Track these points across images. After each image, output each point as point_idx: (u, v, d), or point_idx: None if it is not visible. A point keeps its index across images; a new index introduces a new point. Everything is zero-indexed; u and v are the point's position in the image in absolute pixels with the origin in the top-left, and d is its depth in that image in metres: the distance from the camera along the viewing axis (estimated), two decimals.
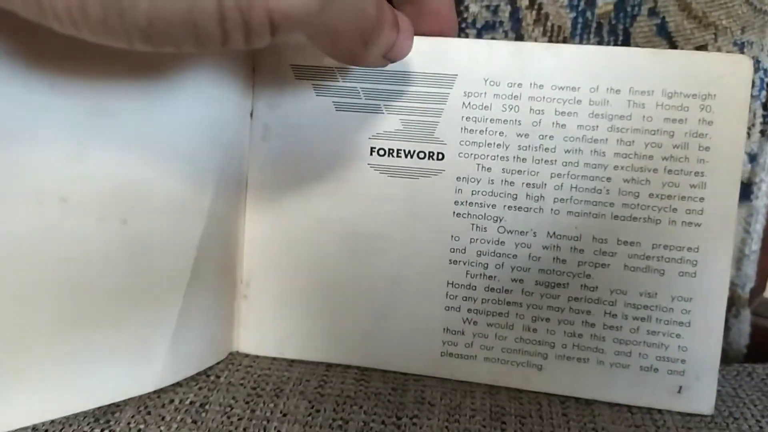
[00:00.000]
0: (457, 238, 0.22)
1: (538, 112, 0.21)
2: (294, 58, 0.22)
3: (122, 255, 0.20)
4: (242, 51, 0.22)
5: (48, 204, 0.18)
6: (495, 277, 0.22)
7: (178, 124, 0.20)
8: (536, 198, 0.22)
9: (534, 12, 0.29)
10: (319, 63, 0.22)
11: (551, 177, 0.22)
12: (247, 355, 0.25)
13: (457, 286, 0.23)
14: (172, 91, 0.19)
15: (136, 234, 0.20)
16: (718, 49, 0.30)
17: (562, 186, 0.22)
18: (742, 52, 0.30)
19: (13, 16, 0.13)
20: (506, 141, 0.22)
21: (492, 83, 0.21)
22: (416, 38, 0.20)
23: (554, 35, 0.29)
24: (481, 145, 0.22)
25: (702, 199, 0.21)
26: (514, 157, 0.22)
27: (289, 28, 0.14)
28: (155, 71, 0.19)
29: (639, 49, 0.22)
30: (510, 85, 0.21)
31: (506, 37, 0.29)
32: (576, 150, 0.21)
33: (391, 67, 0.21)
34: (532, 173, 0.22)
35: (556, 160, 0.22)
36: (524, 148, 0.22)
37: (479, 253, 0.22)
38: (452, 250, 0.23)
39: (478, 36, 0.29)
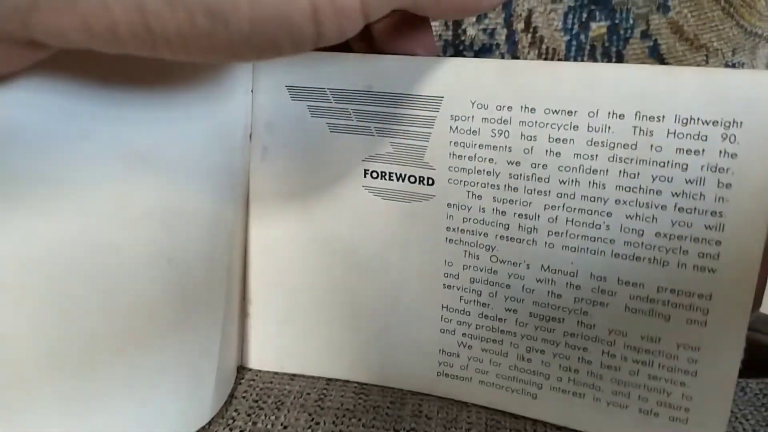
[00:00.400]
0: (450, 264, 0.22)
1: (529, 138, 0.19)
2: (289, 79, 0.21)
3: (170, 293, 0.20)
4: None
5: (101, 254, 0.18)
6: (488, 304, 0.22)
7: (195, 149, 0.20)
8: (529, 230, 0.20)
9: (529, 35, 0.29)
10: (312, 84, 0.21)
11: (545, 209, 0.20)
12: (249, 369, 0.26)
13: (451, 310, 0.22)
14: (186, 117, 0.19)
15: (180, 270, 0.20)
16: None
17: (556, 219, 0.20)
18: None
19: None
20: (496, 168, 0.20)
21: (480, 106, 0.20)
22: (402, 58, 0.19)
23: (549, 57, 0.30)
24: (470, 171, 0.20)
25: (719, 243, 0.18)
26: (504, 186, 0.20)
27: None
28: (165, 96, 0.19)
29: (649, 66, 0.19)
30: (499, 108, 0.19)
31: (503, 59, 0.30)
32: (572, 181, 0.19)
33: (378, 87, 0.20)
34: (524, 203, 0.20)
35: (549, 191, 0.20)
36: (515, 177, 0.20)
37: (472, 280, 0.22)
38: (446, 275, 0.22)
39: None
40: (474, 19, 0.30)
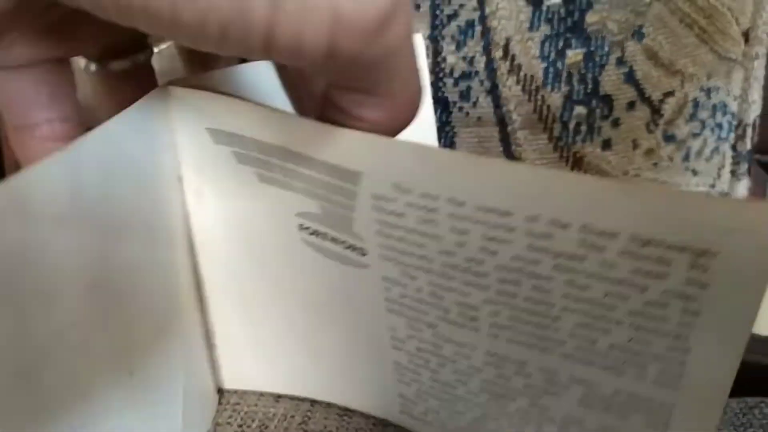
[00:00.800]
0: (394, 330, 0.20)
1: (461, 232, 0.16)
2: (209, 121, 0.19)
3: (131, 404, 0.20)
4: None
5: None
6: (438, 372, 0.20)
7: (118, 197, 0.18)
8: (471, 318, 0.18)
9: (508, 62, 0.30)
10: (234, 130, 0.18)
11: (485, 302, 0.17)
12: (235, 392, 0.26)
13: (403, 368, 0.21)
14: (110, 150, 0.18)
15: (143, 384, 0.20)
16: (685, 95, 0.31)
17: (499, 314, 0.17)
18: (709, 98, 0.32)
19: None
20: (428, 254, 0.17)
21: (402, 190, 0.16)
22: (315, 123, 0.17)
23: (527, 84, 0.30)
24: (402, 252, 0.18)
25: (682, 364, 0.16)
26: (439, 273, 0.17)
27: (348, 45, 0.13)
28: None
29: (601, 181, 0.16)
30: (423, 196, 0.16)
31: (482, 85, 0.30)
32: (514, 281, 0.16)
33: (296, 148, 0.18)
34: (463, 293, 0.17)
35: (489, 287, 0.17)
36: (450, 267, 0.17)
37: (419, 349, 0.20)
38: (392, 338, 0.20)
39: (455, 85, 0.31)
40: (454, 47, 0.30)
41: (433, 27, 0.30)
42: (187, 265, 0.23)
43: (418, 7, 0.30)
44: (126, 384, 0.20)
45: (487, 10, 0.30)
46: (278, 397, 0.26)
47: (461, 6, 0.30)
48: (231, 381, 0.26)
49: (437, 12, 0.30)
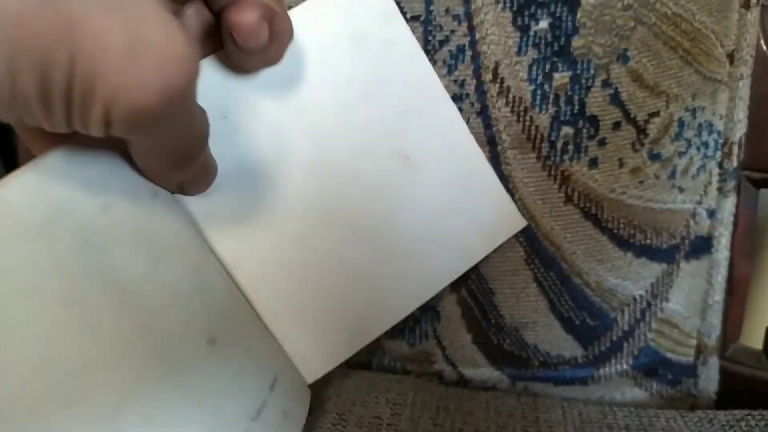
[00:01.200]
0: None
1: None
2: None
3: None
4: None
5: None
6: None
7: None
8: None
9: (497, 85, 0.31)
10: None
11: None
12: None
13: None
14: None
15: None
16: (670, 115, 0.32)
17: None
18: (694, 117, 0.33)
19: None
20: None
21: None
22: None
23: (516, 105, 0.31)
24: None
25: None
26: None
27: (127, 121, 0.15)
28: None
29: None
30: None
31: (472, 107, 0.32)
32: None
33: None
34: None
35: None
36: None
37: None
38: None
39: None
40: (445, 71, 0.32)
41: (426, 52, 0.31)
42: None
43: None
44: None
45: (477, 36, 0.31)
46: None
47: (452, 32, 0.31)
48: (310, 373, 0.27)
49: (429, 38, 0.32)
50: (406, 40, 0.29)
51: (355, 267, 0.27)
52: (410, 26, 0.32)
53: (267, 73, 0.25)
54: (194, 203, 0.24)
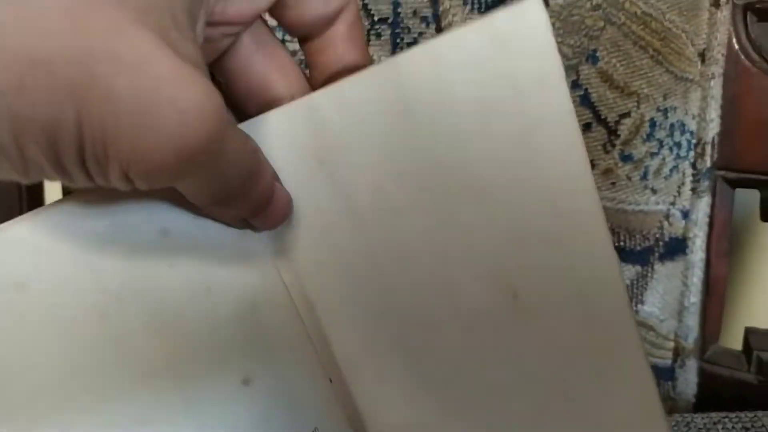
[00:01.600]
0: None
1: None
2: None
3: None
4: None
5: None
6: None
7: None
8: None
9: None
10: None
11: None
12: None
13: None
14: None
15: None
16: (641, 116, 0.32)
17: None
18: (666, 117, 0.32)
19: None
20: None
21: None
22: None
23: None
24: None
25: None
26: None
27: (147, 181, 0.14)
28: None
29: None
30: None
31: None
32: None
33: None
34: None
35: None
36: None
37: None
38: None
39: None
40: None
41: (394, 54, 0.31)
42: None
43: (379, 35, 0.31)
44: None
45: None
46: None
47: (420, 34, 0.31)
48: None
49: (398, 40, 0.31)
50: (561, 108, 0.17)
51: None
52: (377, 29, 0.31)
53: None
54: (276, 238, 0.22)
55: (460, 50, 0.17)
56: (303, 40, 0.20)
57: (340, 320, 0.22)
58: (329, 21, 0.19)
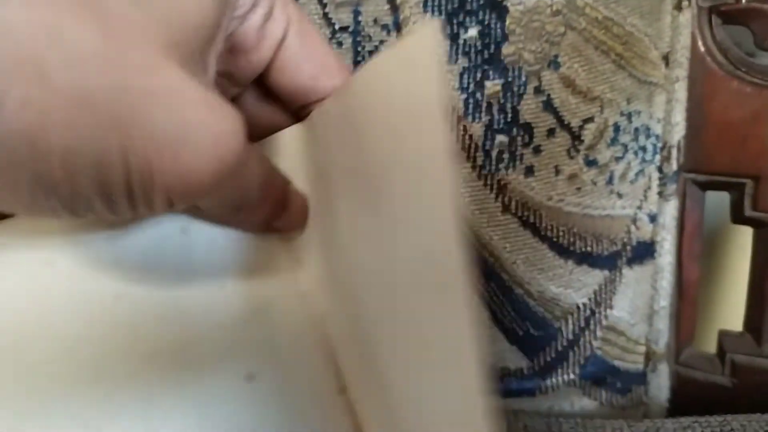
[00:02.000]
0: None
1: None
2: None
3: None
4: None
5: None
6: None
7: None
8: None
9: None
10: None
11: None
12: None
13: None
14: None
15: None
16: (605, 120, 0.32)
17: None
18: (630, 122, 0.32)
19: None
20: None
21: None
22: None
23: (448, 115, 0.31)
24: None
25: None
26: None
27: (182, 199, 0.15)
28: None
29: None
30: None
31: None
32: None
33: None
34: None
35: None
36: None
37: None
38: None
39: None
40: None
41: (356, 63, 0.31)
42: None
43: (340, 44, 0.31)
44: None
45: None
46: None
47: (381, 42, 0.31)
48: None
49: (359, 48, 0.31)
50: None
51: None
52: (339, 37, 0.31)
53: None
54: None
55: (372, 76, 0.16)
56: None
57: (340, 338, 0.22)
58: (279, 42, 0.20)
